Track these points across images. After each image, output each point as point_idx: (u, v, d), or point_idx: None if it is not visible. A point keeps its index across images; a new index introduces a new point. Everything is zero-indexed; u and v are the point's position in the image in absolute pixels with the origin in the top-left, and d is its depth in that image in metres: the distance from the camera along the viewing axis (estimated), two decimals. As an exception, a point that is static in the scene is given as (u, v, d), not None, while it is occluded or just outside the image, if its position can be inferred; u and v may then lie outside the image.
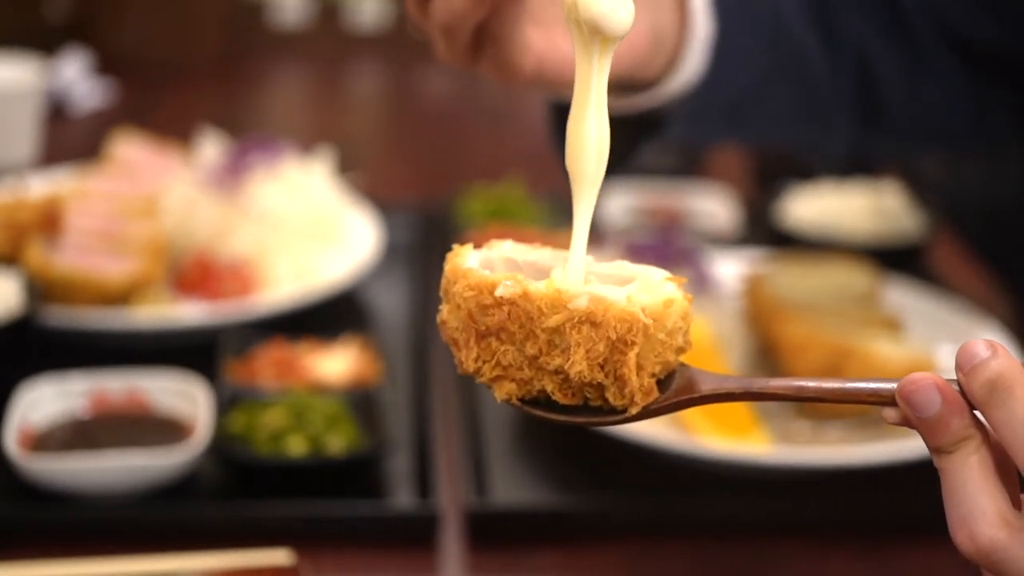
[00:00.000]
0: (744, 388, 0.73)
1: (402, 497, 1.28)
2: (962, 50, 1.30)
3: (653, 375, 0.72)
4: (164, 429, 1.30)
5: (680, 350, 0.73)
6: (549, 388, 0.72)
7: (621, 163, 1.20)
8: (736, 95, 1.22)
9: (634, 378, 0.70)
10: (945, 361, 1.45)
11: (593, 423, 0.73)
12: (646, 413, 0.72)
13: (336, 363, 1.43)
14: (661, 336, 0.71)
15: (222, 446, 1.26)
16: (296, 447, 1.26)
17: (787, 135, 1.34)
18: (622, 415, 0.72)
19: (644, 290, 0.71)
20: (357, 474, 1.28)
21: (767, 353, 1.50)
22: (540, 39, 0.98)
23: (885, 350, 1.38)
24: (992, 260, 1.90)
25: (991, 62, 1.31)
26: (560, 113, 1.17)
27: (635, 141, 1.19)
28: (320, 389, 1.37)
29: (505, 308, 0.71)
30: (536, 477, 1.32)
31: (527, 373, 0.72)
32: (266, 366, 1.41)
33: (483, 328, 0.72)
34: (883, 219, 1.91)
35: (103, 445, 1.26)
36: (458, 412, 1.43)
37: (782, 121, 1.29)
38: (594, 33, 0.71)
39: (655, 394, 0.72)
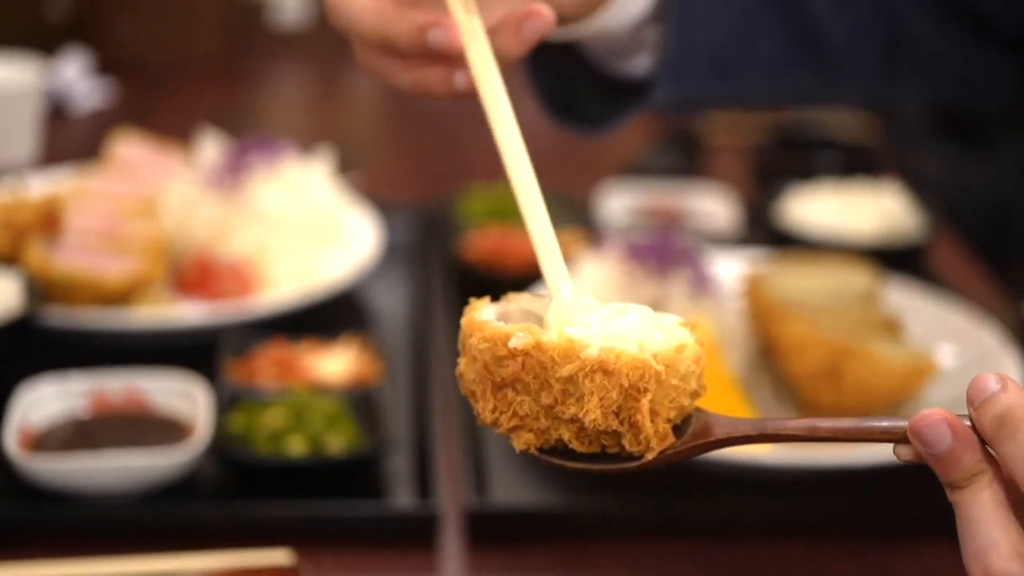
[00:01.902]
0: (759, 430, 0.74)
1: (402, 497, 1.28)
2: (965, 21, 1.28)
3: (669, 420, 0.72)
4: (164, 429, 1.30)
5: (695, 394, 0.74)
6: (566, 437, 0.73)
7: (607, 127, 1.18)
8: (718, 37, 1.19)
9: (648, 424, 0.71)
10: (945, 362, 1.45)
11: (608, 471, 0.73)
12: (662, 459, 0.72)
13: (336, 363, 1.43)
14: (674, 381, 0.71)
15: (222, 446, 1.26)
16: (296, 447, 1.26)
17: (788, 81, 1.28)
18: (639, 462, 0.72)
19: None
20: (357, 474, 1.28)
21: (767, 353, 1.50)
22: None
23: (885, 350, 1.37)
24: (992, 260, 1.90)
25: (995, 33, 1.30)
26: (531, 63, 1.15)
27: (622, 105, 1.17)
28: (320, 389, 1.37)
29: (519, 359, 0.72)
30: (536, 477, 1.32)
31: (544, 423, 0.73)
32: (266, 366, 1.41)
33: (499, 379, 0.73)
34: (883, 219, 1.91)
35: (103, 445, 1.26)
36: (458, 412, 1.43)
37: (778, 63, 1.24)
38: None
39: (671, 439, 0.72)
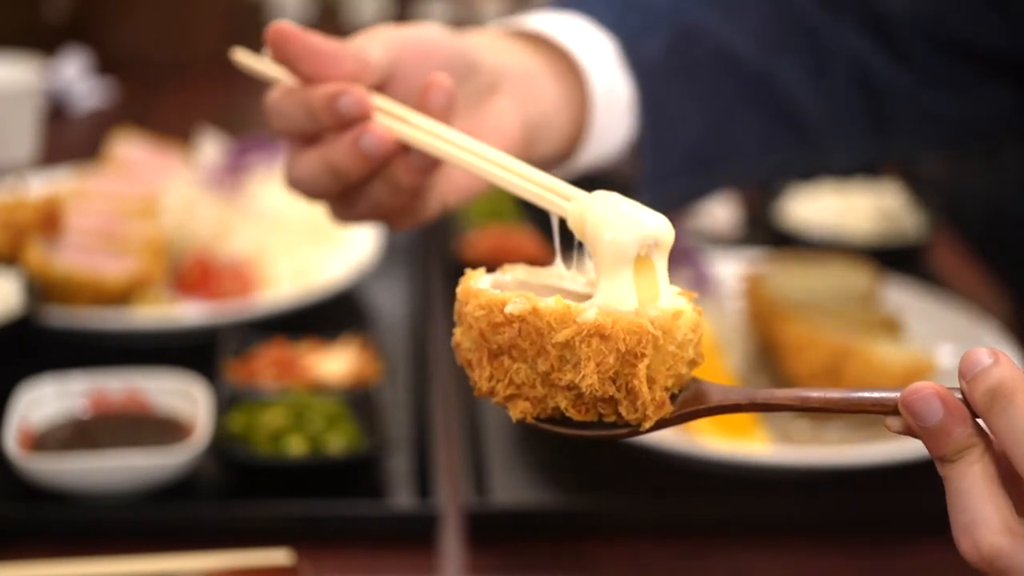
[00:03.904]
0: (749, 399, 0.73)
1: (402, 497, 1.28)
2: (962, 55, 1.29)
3: (666, 389, 0.72)
4: (164, 429, 1.30)
5: (692, 363, 0.73)
6: (563, 405, 0.72)
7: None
8: (695, 137, 1.20)
9: (645, 391, 0.70)
10: (945, 361, 1.45)
11: (604, 436, 0.73)
12: (656, 425, 0.72)
13: (336, 363, 1.43)
14: (671, 348, 0.71)
15: (222, 446, 1.26)
16: (296, 447, 1.26)
17: (775, 160, 1.29)
18: (635, 428, 0.72)
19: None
20: (357, 474, 1.28)
21: (767, 353, 1.50)
22: (441, 180, 1.00)
23: (885, 350, 1.38)
24: (992, 260, 1.90)
25: (994, 62, 1.30)
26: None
27: None
28: (320, 389, 1.37)
29: (515, 325, 0.71)
30: (536, 477, 1.32)
31: (540, 390, 0.72)
32: (266, 366, 1.41)
33: (495, 346, 0.72)
34: (883, 219, 1.91)
35: (103, 445, 1.26)
36: (458, 412, 1.43)
37: (762, 146, 1.25)
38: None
39: (668, 408, 0.72)
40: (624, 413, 0.71)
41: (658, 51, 1.17)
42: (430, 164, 0.94)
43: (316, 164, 0.96)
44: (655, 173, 1.16)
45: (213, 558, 1.12)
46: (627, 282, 0.72)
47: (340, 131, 0.95)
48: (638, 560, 1.23)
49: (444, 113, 0.94)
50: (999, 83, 1.31)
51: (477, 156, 0.87)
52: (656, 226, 0.72)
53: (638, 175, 1.15)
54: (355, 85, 0.94)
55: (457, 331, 0.75)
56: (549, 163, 1.10)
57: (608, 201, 0.73)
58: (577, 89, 1.09)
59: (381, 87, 0.97)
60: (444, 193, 1.01)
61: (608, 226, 0.72)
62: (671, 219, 0.73)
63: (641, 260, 0.72)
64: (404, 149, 0.94)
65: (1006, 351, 1.43)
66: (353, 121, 0.93)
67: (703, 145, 1.21)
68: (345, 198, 0.99)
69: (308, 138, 0.98)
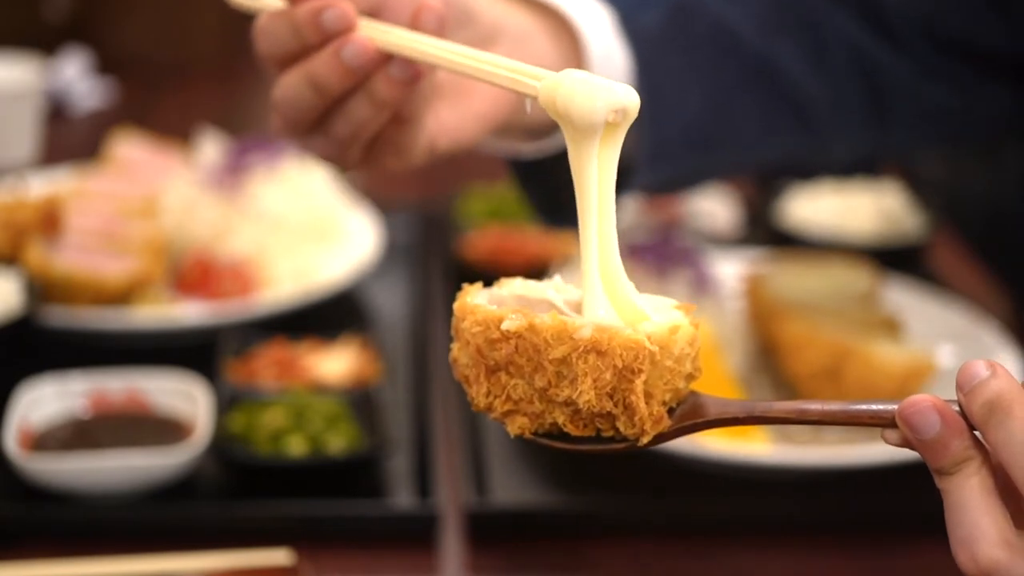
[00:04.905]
0: (747, 412, 0.73)
1: (402, 497, 1.28)
2: (962, 54, 1.29)
3: (664, 403, 0.72)
4: (164, 429, 1.30)
5: (690, 377, 0.73)
6: (560, 420, 0.72)
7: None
8: (694, 117, 1.19)
9: (642, 406, 0.70)
10: (945, 362, 1.45)
11: (602, 451, 0.72)
12: (654, 440, 0.72)
13: (336, 363, 1.43)
14: (668, 363, 0.71)
15: (222, 446, 1.26)
16: (296, 447, 1.26)
17: (773, 149, 1.28)
18: (633, 443, 0.72)
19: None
20: (357, 474, 1.28)
21: (767, 353, 1.50)
22: (431, 120, 0.99)
23: (885, 350, 1.38)
24: (992, 260, 1.90)
25: (994, 62, 1.30)
26: (520, 168, 1.17)
27: None
28: (320, 389, 1.37)
29: (512, 341, 0.71)
30: (536, 477, 1.32)
31: (538, 406, 0.72)
32: (266, 366, 1.42)
33: (492, 363, 0.72)
34: (883, 219, 1.91)
35: (103, 445, 1.26)
36: (458, 412, 1.43)
37: (762, 131, 1.25)
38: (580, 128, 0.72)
39: (666, 422, 0.72)
40: (622, 428, 0.71)
41: (655, 24, 1.17)
42: (411, 76, 0.93)
43: (298, 79, 0.95)
44: (654, 148, 1.16)
45: (213, 558, 1.12)
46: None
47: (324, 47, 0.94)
48: (638, 560, 1.23)
49: (433, 31, 0.93)
50: (999, 83, 1.31)
51: (454, 53, 0.87)
52: (625, 94, 0.72)
53: (636, 148, 1.15)
54: (341, 0, 0.93)
55: (454, 347, 0.75)
56: (543, 128, 1.09)
57: (577, 75, 0.73)
58: (574, 54, 1.09)
59: (371, 16, 0.96)
60: (433, 135, 0.99)
61: (578, 94, 0.72)
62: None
63: (610, 127, 0.72)
64: (385, 61, 0.93)
65: (1006, 351, 1.44)
66: (337, 36, 0.93)
67: (702, 123, 1.20)
68: (326, 122, 0.97)
69: (294, 58, 0.96)
